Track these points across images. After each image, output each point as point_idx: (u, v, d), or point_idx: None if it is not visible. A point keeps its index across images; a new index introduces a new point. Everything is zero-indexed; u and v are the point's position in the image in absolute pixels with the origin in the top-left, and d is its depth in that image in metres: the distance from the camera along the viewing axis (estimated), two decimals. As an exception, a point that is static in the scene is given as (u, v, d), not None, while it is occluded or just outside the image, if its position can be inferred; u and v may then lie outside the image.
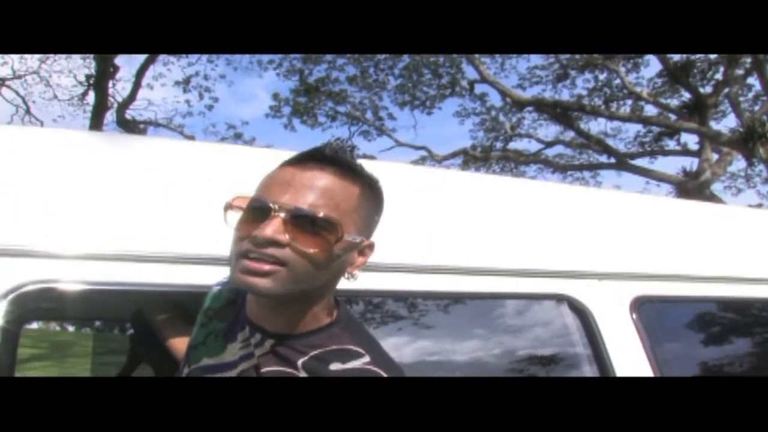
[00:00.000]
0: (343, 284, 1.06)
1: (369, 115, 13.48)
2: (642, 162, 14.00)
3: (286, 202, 0.94)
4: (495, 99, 14.05)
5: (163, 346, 1.48)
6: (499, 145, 14.86)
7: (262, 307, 1.05)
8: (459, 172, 2.14)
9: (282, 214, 0.93)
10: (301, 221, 0.94)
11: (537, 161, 14.63)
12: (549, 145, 14.93)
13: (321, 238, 0.95)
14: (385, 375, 0.99)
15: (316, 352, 1.02)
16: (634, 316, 1.78)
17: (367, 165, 1.04)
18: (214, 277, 1.31)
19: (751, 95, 12.94)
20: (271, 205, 0.94)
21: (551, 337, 1.72)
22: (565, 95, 12.23)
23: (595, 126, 14.23)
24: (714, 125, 12.09)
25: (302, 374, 1.01)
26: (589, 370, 1.66)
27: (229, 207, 1.00)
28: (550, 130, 15.04)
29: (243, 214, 0.98)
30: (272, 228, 0.92)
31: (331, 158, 0.99)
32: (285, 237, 0.93)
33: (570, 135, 14.43)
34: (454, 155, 14.30)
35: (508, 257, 1.69)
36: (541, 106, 12.02)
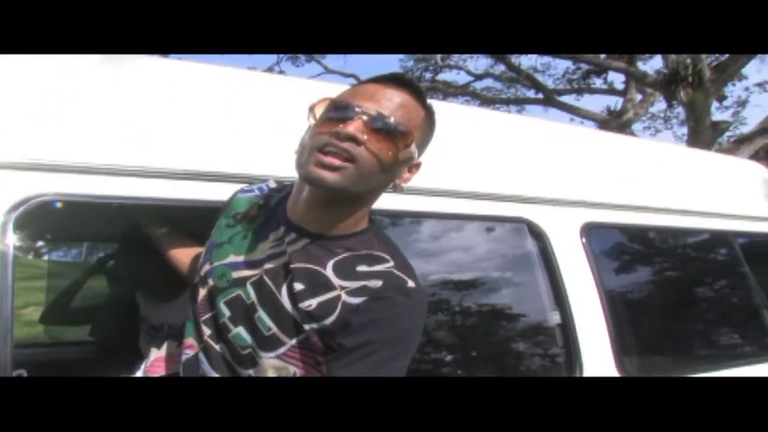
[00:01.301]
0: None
1: (299, 38, 13.22)
2: (568, 99, 14.52)
3: (368, 108, 1.09)
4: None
5: (164, 257, 1.60)
6: (428, 75, 14.98)
7: (310, 208, 1.16)
8: (440, 102, 2.30)
9: (364, 117, 1.08)
10: (379, 125, 1.09)
11: (465, 93, 14.88)
12: (478, 77, 15.19)
13: (392, 144, 1.10)
14: (405, 278, 1.14)
15: (346, 254, 1.16)
16: (583, 239, 2.03)
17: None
18: (216, 192, 1.45)
19: (676, 38, 13.55)
20: (356, 108, 1.09)
21: (512, 255, 1.95)
22: (499, 28, 12.41)
23: (526, 61, 14.54)
24: (641, 66, 12.64)
25: (328, 272, 1.14)
26: (543, 284, 1.91)
27: (312, 107, 1.15)
28: (480, 63, 15.28)
29: (325, 113, 1.12)
30: (354, 126, 1.07)
31: (408, 82, 1.15)
32: (363, 136, 1.07)
33: (500, 69, 14.72)
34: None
35: (477, 182, 1.89)
36: (474, 38, 12.16)
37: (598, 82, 14.92)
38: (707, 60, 10.89)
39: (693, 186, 2.59)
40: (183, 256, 1.61)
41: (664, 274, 2.49)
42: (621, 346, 1.96)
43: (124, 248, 2.20)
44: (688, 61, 11.01)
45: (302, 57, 13.46)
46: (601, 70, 14.03)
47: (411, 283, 1.14)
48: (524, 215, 1.96)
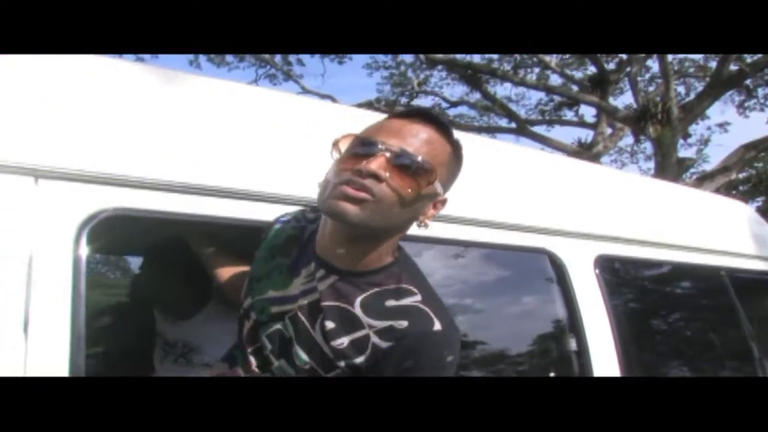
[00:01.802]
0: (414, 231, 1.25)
1: (278, 58, 13.30)
2: (540, 129, 14.87)
3: (392, 144, 1.10)
4: (408, 55, 14.27)
5: (210, 275, 1.65)
6: (404, 100, 15.19)
7: (334, 242, 1.18)
8: (467, 135, 2.43)
9: (387, 154, 1.09)
10: (402, 162, 1.09)
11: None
12: (453, 104, 15.46)
13: (414, 181, 1.10)
14: (432, 318, 1.14)
15: (374, 290, 1.17)
16: (597, 270, 2.16)
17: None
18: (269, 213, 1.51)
19: (648, 76, 14.07)
20: (379, 145, 1.10)
21: (534, 282, 2.07)
22: (477, 57, 12.70)
23: (501, 90, 14.86)
24: (612, 101, 13.08)
25: (357, 310, 1.15)
26: (562, 311, 2.03)
27: (336, 143, 1.16)
28: (456, 90, 15.55)
29: (349, 149, 1.13)
30: (377, 163, 1.08)
31: (434, 118, 1.17)
32: (385, 173, 1.08)
33: (475, 97, 15.02)
34: (359, 106, 14.47)
35: (503, 213, 2.01)
36: (453, 65, 12.42)
37: (569, 114, 15.34)
38: (676, 99, 11.32)
39: (691, 223, 2.78)
40: (229, 275, 1.66)
41: (667, 305, 2.68)
42: (629, 372, 2.09)
43: (147, 263, 2.23)
44: (658, 98, 11.43)
45: (280, 76, 13.54)
46: (573, 103, 14.44)
47: (437, 325, 1.14)
48: (545, 246, 2.07)
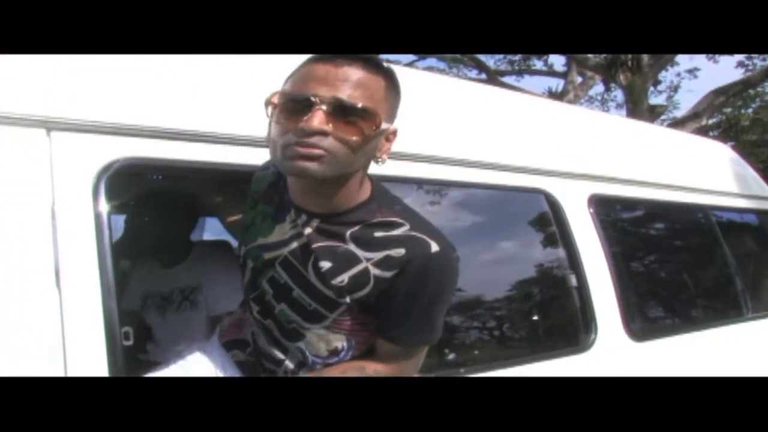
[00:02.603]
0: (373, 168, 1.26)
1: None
2: (510, 80, 14.93)
3: (325, 95, 1.07)
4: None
5: (223, 221, 1.69)
6: (372, 53, 15.07)
7: (305, 190, 1.20)
8: (468, 82, 2.49)
9: (324, 107, 1.06)
10: (342, 112, 1.07)
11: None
12: (422, 56, 15.38)
13: (359, 127, 1.09)
14: (427, 240, 1.17)
15: (359, 225, 1.19)
16: (590, 209, 2.26)
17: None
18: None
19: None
20: (312, 98, 1.06)
21: (532, 220, 2.17)
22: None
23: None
24: (581, 49, 13.14)
25: (350, 245, 1.18)
26: (559, 246, 2.14)
27: (269, 102, 1.13)
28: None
29: (284, 107, 1.10)
30: (317, 119, 1.05)
31: (357, 57, 1.11)
32: (329, 127, 1.06)
33: (443, 48, 14.95)
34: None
35: (500, 155, 2.08)
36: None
37: (538, 64, 15.39)
38: (645, 45, 11.40)
39: (677, 164, 2.91)
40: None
41: (655, 242, 2.81)
42: (626, 306, 2.21)
43: (131, 215, 2.24)
44: (628, 45, 11.47)
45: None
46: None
47: (434, 246, 1.17)
48: (541, 186, 2.16)
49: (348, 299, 1.21)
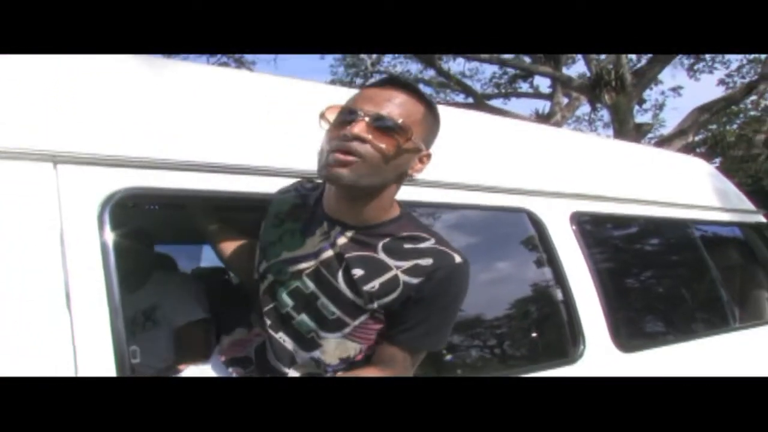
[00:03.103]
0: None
1: (230, 46, 13.16)
2: (497, 103, 15.18)
3: (369, 110, 1.28)
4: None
5: (215, 248, 1.78)
6: (359, 81, 15.28)
7: (340, 203, 1.37)
8: (453, 109, 2.62)
9: (366, 119, 1.27)
10: (381, 124, 1.27)
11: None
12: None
13: (394, 139, 1.28)
14: (451, 254, 1.37)
15: (389, 238, 1.38)
16: (573, 226, 2.36)
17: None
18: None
19: (599, 44, 14.42)
20: (358, 111, 1.28)
21: (516, 239, 2.27)
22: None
23: (455, 66, 15.10)
24: (565, 70, 13.42)
25: (381, 254, 1.36)
26: (544, 263, 2.24)
27: (322, 115, 1.34)
28: (409, 68, 15.71)
29: (335, 119, 1.32)
30: (358, 127, 1.26)
31: (403, 83, 1.36)
32: (367, 135, 1.26)
33: (429, 74, 15.21)
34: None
35: (486, 177, 2.19)
36: (405, 44, 12.52)
37: (524, 87, 15.66)
38: (628, 65, 11.67)
39: (657, 180, 3.04)
40: (233, 247, 1.79)
41: (638, 256, 2.93)
42: (613, 319, 2.30)
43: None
44: (610, 66, 11.75)
45: (232, 64, 13.47)
46: (527, 75, 14.75)
47: (458, 258, 1.37)
48: (524, 205, 2.27)
49: (376, 305, 1.35)
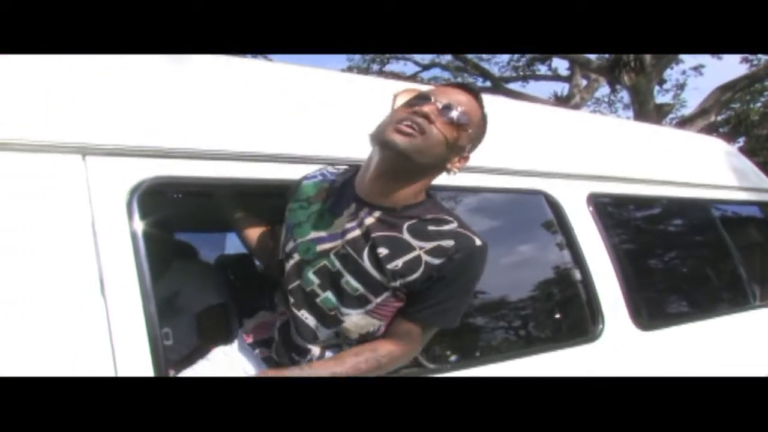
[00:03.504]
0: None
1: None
2: (515, 86, 15.08)
3: (442, 99, 1.43)
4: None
5: (239, 234, 1.84)
6: (375, 67, 15.28)
7: (376, 183, 1.46)
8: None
9: (438, 104, 1.41)
10: (448, 113, 1.42)
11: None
12: (425, 67, 15.59)
13: (454, 130, 1.43)
14: (472, 237, 1.45)
15: (415, 220, 1.46)
16: (590, 207, 2.39)
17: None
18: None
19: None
20: (432, 97, 1.43)
21: (534, 221, 2.30)
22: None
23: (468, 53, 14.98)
24: (584, 52, 13.30)
25: (406, 235, 1.44)
26: (562, 244, 2.28)
27: (396, 95, 1.50)
28: (427, 54, 15.66)
29: (408, 99, 1.45)
30: (429, 108, 1.40)
31: (473, 89, 1.52)
32: (435, 116, 1.40)
33: (446, 58, 15.16)
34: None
35: (502, 160, 2.22)
36: (422, 28, 12.49)
37: (542, 69, 15.53)
38: (648, 44, 11.51)
39: (674, 160, 3.04)
40: (257, 233, 1.86)
41: (656, 236, 2.95)
42: (631, 298, 2.34)
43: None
44: (631, 46, 11.58)
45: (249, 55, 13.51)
46: (545, 57, 14.64)
47: (478, 242, 1.45)
48: (541, 187, 2.30)
49: (398, 283, 1.43)
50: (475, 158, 2.09)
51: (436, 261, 1.42)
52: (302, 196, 1.59)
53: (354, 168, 1.58)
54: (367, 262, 1.44)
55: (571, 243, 2.28)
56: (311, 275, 1.50)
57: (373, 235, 1.45)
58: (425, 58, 15.64)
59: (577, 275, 2.26)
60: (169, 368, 1.53)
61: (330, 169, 1.65)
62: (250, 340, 1.68)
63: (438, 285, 1.44)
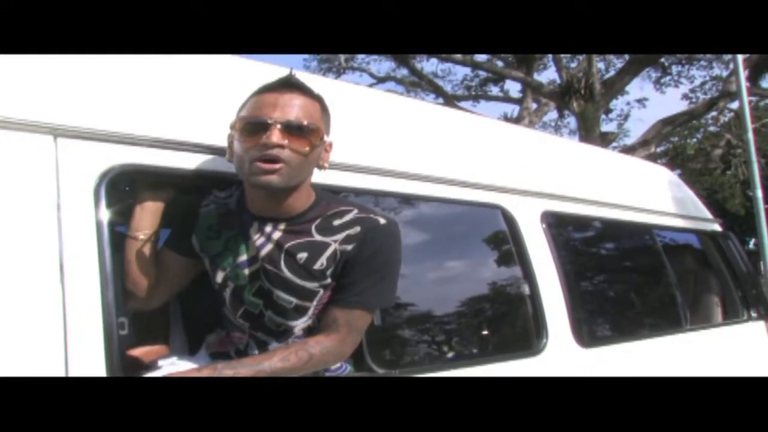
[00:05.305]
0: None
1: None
2: (466, 104, 15.33)
3: (278, 117, 1.39)
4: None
5: None
6: (331, 76, 15.29)
7: (268, 202, 1.48)
8: (425, 103, 2.70)
9: (278, 126, 1.38)
10: (293, 129, 1.40)
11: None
12: (381, 80, 15.69)
13: (308, 140, 1.42)
14: (374, 217, 1.51)
15: (319, 219, 1.51)
16: (543, 224, 2.46)
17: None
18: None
19: (569, 53, 14.70)
20: (268, 120, 1.38)
21: (489, 234, 2.35)
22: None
23: (428, 66, 15.20)
24: (536, 76, 13.63)
25: (317, 236, 1.49)
26: (514, 258, 2.32)
27: (233, 127, 1.45)
28: (383, 66, 15.78)
29: (244, 130, 1.41)
30: (275, 135, 1.37)
31: (298, 85, 1.46)
32: (284, 141, 1.38)
33: (402, 72, 15.30)
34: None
35: (462, 172, 2.27)
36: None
37: (494, 90, 15.84)
38: (597, 75, 11.91)
39: (623, 185, 3.17)
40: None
41: (602, 256, 3.06)
42: (574, 315, 2.41)
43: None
44: (581, 74, 11.98)
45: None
46: (498, 78, 14.93)
47: (382, 220, 1.52)
48: (498, 202, 2.35)
49: (329, 279, 1.49)
50: (438, 169, 2.17)
51: (349, 247, 1.48)
52: (207, 227, 1.60)
53: (238, 187, 1.59)
54: (288, 273, 1.49)
55: (522, 258, 2.33)
56: (252, 298, 1.54)
57: (287, 246, 1.49)
58: (381, 71, 15.76)
59: (526, 289, 2.32)
60: (124, 357, 1.50)
61: (217, 193, 1.64)
62: (211, 350, 1.69)
63: (355, 269, 1.49)
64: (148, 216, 1.59)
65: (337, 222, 1.50)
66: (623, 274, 3.19)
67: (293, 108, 1.41)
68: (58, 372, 1.29)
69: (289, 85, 1.44)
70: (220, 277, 1.55)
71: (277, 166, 1.37)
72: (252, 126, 1.40)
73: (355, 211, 1.52)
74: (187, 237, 1.61)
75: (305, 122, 1.41)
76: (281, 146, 1.37)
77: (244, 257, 1.52)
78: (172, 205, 1.63)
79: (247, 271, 1.52)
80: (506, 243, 2.35)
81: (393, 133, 2.17)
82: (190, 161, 1.64)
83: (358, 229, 1.49)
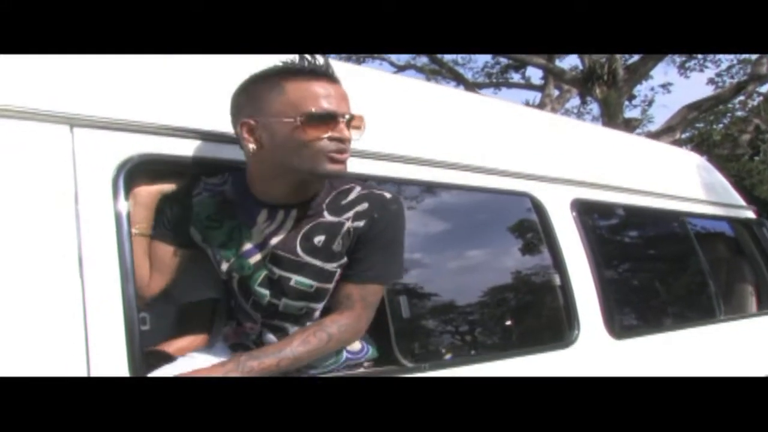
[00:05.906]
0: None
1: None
2: (487, 92, 15.17)
3: (341, 111, 1.43)
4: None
5: None
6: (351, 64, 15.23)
7: (286, 189, 1.48)
8: (453, 90, 2.64)
9: (342, 119, 1.43)
10: (352, 122, 1.45)
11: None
12: (401, 68, 15.57)
13: (358, 131, 1.48)
14: (379, 192, 1.53)
15: (328, 200, 1.52)
16: (573, 212, 2.38)
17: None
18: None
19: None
20: (339, 115, 1.42)
21: (518, 222, 2.28)
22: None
23: (448, 54, 15.04)
24: (558, 63, 13.44)
25: (330, 217, 1.50)
26: (544, 247, 2.27)
27: (303, 121, 1.41)
28: (403, 55, 15.66)
29: (311, 121, 1.40)
30: (346, 129, 1.43)
31: (333, 75, 1.47)
32: (350, 135, 1.45)
33: (422, 60, 15.18)
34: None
35: (491, 161, 2.20)
36: (401, 29, 12.48)
37: (516, 77, 15.66)
38: (621, 60, 11.72)
39: (654, 171, 3.07)
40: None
41: (633, 245, 2.97)
42: (606, 305, 2.33)
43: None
44: (603, 60, 11.79)
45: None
46: (520, 65, 14.75)
47: (387, 195, 1.55)
48: (528, 190, 2.28)
49: (345, 258, 1.50)
50: (466, 156, 2.11)
51: (361, 223, 1.50)
52: (205, 218, 1.55)
53: (234, 174, 1.56)
54: (307, 258, 1.49)
55: (552, 247, 2.26)
56: (258, 288, 1.52)
57: (303, 230, 1.49)
58: (401, 59, 15.64)
59: (557, 280, 2.25)
60: (144, 353, 1.46)
61: (207, 180, 1.58)
62: (230, 342, 1.64)
63: (367, 245, 1.51)
64: (141, 209, 1.56)
65: (344, 200, 1.52)
66: (654, 263, 3.10)
67: (346, 100, 1.46)
68: (79, 370, 1.25)
69: (327, 73, 1.46)
70: (225, 267, 1.53)
71: (347, 156, 1.44)
72: (320, 118, 1.41)
73: (358, 187, 1.55)
74: (183, 227, 1.57)
75: (358, 114, 1.46)
76: (349, 140, 1.44)
77: (249, 245, 1.51)
78: (164, 194, 1.59)
79: (252, 260, 1.51)
80: (536, 232, 2.29)
81: (418, 119, 2.11)
82: (215, 151, 1.59)
83: (366, 205, 1.51)
